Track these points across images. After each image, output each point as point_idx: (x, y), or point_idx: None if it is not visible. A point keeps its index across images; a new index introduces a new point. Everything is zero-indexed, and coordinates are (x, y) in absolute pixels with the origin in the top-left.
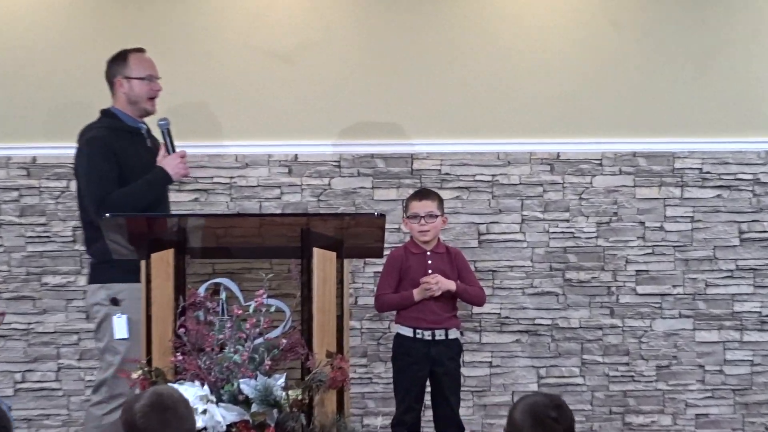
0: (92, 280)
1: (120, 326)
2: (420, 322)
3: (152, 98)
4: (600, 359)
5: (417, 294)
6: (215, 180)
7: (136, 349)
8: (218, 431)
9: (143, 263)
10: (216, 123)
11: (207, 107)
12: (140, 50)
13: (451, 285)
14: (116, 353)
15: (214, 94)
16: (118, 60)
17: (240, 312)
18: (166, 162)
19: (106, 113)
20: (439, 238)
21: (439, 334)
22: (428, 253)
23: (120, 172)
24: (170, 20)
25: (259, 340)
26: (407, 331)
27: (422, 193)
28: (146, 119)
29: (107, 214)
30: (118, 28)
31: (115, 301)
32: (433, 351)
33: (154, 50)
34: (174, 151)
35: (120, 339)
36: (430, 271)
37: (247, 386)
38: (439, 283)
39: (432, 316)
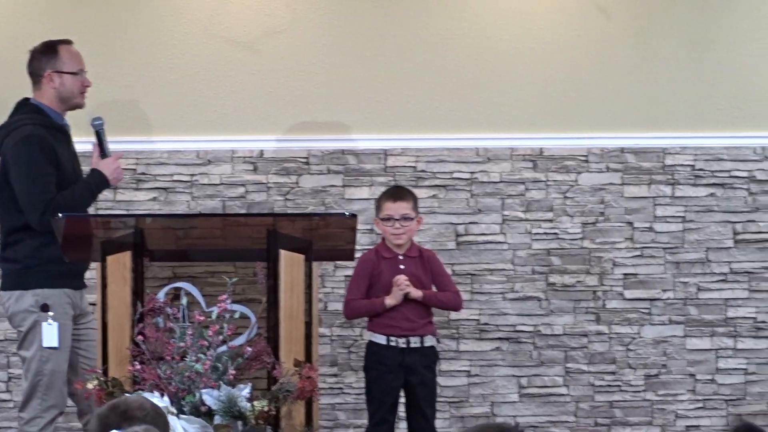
0: (16, 286)
1: (50, 334)
2: (394, 329)
3: (83, 92)
4: (585, 368)
5: (389, 300)
6: (175, 178)
7: (64, 359)
8: None
9: (98, 266)
10: (176, 117)
11: (166, 100)
12: (69, 42)
13: (417, 293)
14: (46, 362)
15: (173, 85)
16: (48, 53)
17: (202, 318)
18: (103, 165)
19: (32, 108)
20: (412, 241)
21: (414, 342)
22: (401, 257)
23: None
24: (126, 7)
25: (223, 348)
26: (380, 339)
27: (396, 194)
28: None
29: (60, 215)
30: (70, 14)
31: (45, 308)
32: (407, 359)
33: (106, 39)
34: (108, 152)
35: (49, 347)
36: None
37: (210, 397)
38: (409, 286)
39: (406, 323)
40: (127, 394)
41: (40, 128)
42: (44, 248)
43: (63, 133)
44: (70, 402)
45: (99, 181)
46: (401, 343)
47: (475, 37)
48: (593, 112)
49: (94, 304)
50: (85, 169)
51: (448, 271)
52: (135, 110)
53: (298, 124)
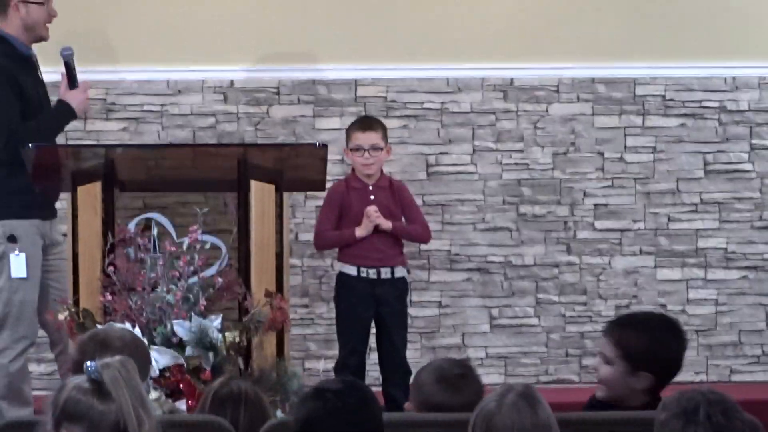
0: None
1: (18, 265)
2: (364, 260)
3: (48, 23)
4: (556, 298)
5: (359, 231)
6: (145, 108)
7: (34, 290)
8: (150, 376)
9: (68, 197)
10: (145, 46)
11: (136, 30)
12: None
13: (387, 224)
14: (15, 293)
15: (142, 15)
16: None
17: (173, 249)
18: (70, 96)
19: None
20: (382, 171)
21: (385, 273)
22: (370, 187)
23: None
24: None
25: (194, 279)
26: (351, 270)
27: (365, 123)
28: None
29: (30, 145)
30: None
31: (12, 239)
32: (378, 290)
33: None
34: (77, 83)
35: (18, 278)
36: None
37: (181, 328)
38: (379, 218)
39: (377, 254)
40: (111, 325)
41: (2, 58)
42: (10, 179)
43: (28, 63)
44: (41, 333)
45: (66, 112)
46: (372, 274)
47: None
48: (564, 42)
49: (65, 235)
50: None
51: (419, 201)
52: (104, 40)
53: (268, 53)
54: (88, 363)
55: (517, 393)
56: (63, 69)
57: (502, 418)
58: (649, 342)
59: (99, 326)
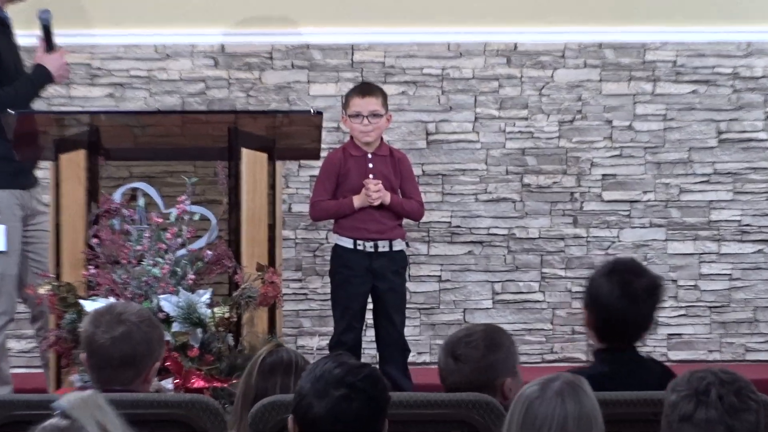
0: None
1: None
2: (361, 232)
3: None
4: (562, 273)
5: (357, 201)
6: (132, 73)
7: (14, 263)
8: None
9: (51, 166)
10: (132, 8)
11: None
12: None
13: (386, 197)
14: None
15: None
16: None
17: (160, 220)
18: (48, 60)
19: None
20: (382, 139)
21: (383, 246)
22: (369, 155)
23: None
24: None
25: (182, 252)
26: (347, 242)
27: (365, 89)
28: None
29: (11, 111)
30: None
31: None
32: (375, 264)
33: None
34: (54, 47)
35: None
36: (371, 176)
37: (168, 303)
38: (379, 191)
39: (374, 226)
40: (92, 299)
41: None
42: None
43: (3, 26)
44: (20, 307)
45: (43, 77)
46: (369, 247)
47: None
48: (570, 5)
49: (47, 205)
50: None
51: (418, 171)
52: (89, 2)
53: (261, 16)
54: (57, 402)
55: (564, 380)
56: (40, 32)
57: (544, 405)
58: (591, 277)
59: (82, 302)
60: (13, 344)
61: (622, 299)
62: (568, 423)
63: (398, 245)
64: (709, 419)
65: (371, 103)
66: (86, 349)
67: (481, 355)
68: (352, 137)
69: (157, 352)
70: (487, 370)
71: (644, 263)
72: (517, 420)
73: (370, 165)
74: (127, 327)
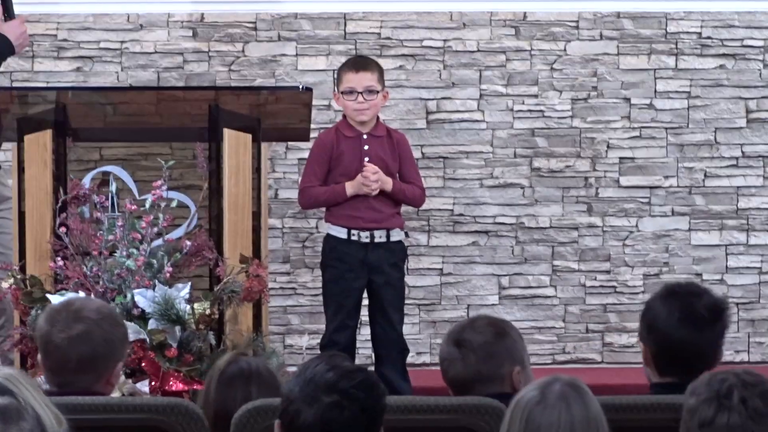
0: None
1: None
2: (356, 221)
3: None
4: (575, 266)
5: (350, 188)
6: (102, 45)
7: None
8: None
9: (14, 148)
10: None
11: None
12: None
13: (387, 184)
14: None
15: None
16: None
17: (134, 208)
18: (7, 29)
19: None
20: (378, 118)
21: (379, 236)
22: (365, 136)
23: None
24: None
25: (158, 242)
26: (340, 232)
27: (359, 63)
28: None
29: None
30: None
31: None
32: (371, 256)
33: None
34: (13, 15)
35: None
36: (367, 159)
37: (144, 298)
38: (378, 180)
39: (370, 214)
40: (61, 294)
41: None
42: None
43: None
44: None
45: (2, 47)
46: (364, 237)
47: None
48: None
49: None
50: None
51: (417, 154)
52: None
53: None
54: None
55: (564, 383)
56: None
57: (548, 412)
58: (646, 303)
59: (50, 296)
60: None
61: (683, 325)
62: (576, 429)
63: (396, 235)
64: (731, 425)
65: (366, 79)
66: (41, 350)
67: (487, 340)
68: (345, 116)
69: (119, 352)
70: (493, 357)
71: (666, 256)
72: (519, 428)
73: (366, 147)
74: (86, 325)
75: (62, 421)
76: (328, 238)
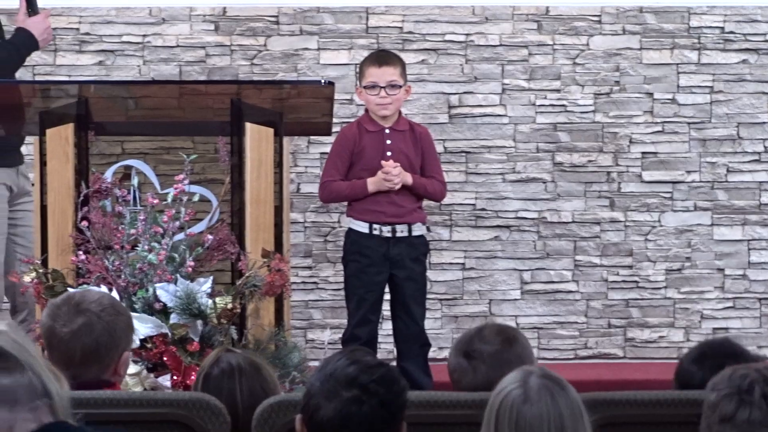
0: None
1: None
2: (378, 216)
3: None
4: (597, 261)
5: (371, 184)
6: (124, 39)
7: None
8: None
9: (36, 141)
10: None
11: None
12: None
13: (407, 178)
14: None
15: None
16: None
17: (156, 201)
18: (31, 24)
19: None
20: (400, 113)
21: (401, 230)
22: (387, 130)
23: None
24: None
25: (180, 236)
26: (362, 227)
27: (382, 57)
28: None
29: None
30: None
31: None
32: (393, 251)
33: None
34: (37, 10)
35: None
36: (389, 153)
37: (165, 292)
38: (399, 174)
39: (392, 208)
40: (83, 288)
41: None
42: None
43: None
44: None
45: (26, 42)
46: (386, 231)
47: None
48: None
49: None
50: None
51: (439, 149)
52: None
53: None
54: None
55: (540, 375)
56: None
57: (533, 406)
58: (678, 363)
59: (71, 289)
60: None
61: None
62: (564, 420)
63: (418, 230)
64: (752, 420)
65: (389, 73)
66: (46, 345)
67: (496, 350)
68: (367, 110)
69: (123, 341)
70: (503, 366)
71: (689, 251)
72: (508, 427)
73: (388, 141)
74: (87, 317)
75: (60, 377)
76: (350, 232)
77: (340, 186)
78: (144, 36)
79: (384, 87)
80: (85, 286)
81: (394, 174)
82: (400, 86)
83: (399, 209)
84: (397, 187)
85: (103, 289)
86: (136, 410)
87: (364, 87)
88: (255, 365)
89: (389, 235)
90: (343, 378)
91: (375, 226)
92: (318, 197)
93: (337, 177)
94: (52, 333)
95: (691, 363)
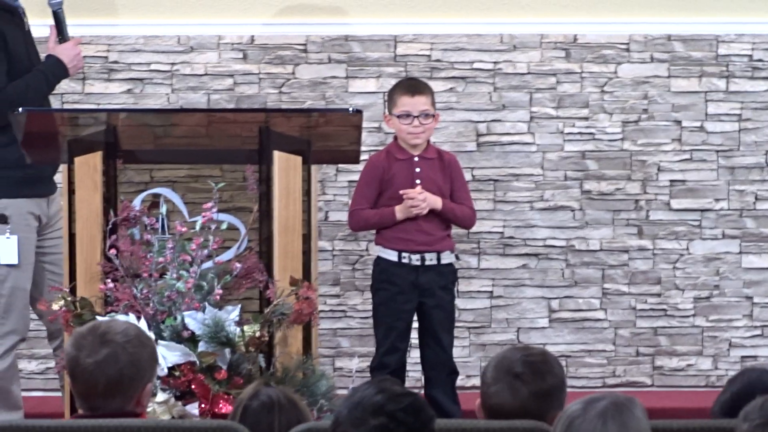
0: None
1: (8, 249)
2: (406, 244)
3: None
4: (625, 289)
5: (399, 212)
6: (153, 67)
7: (27, 277)
8: (158, 375)
9: (64, 170)
10: None
11: None
12: None
13: (437, 203)
14: (4, 281)
15: None
16: None
17: (184, 229)
18: (61, 51)
19: None
20: (429, 141)
21: (430, 259)
22: (416, 158)
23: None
24: None
25: (208, 265)
26: (391, 255)
27: (415, 87)
28: None
29: (20, 109)
30: None
31: (2, 219)
32: (422, 279)
33: None
34: (67, 37)
35: (7, 265)
36: (418, 182)
37: (193, 320)
38: (426, 199)
39: (421, 237)
40: (113, 317)
41: None
42: (2, 150)
43: (15, 16)
44: (35, 325)
45: (56, 70)
46: (415, 260)
47: None
48: None
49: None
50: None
51: (467, 176)
52: None
53: (295, 4)
54: None
55: (610, 401)
56: (51, 21)
57: (584, 425)
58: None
59: (99, 318)
60: (25, 365)
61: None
62: None
63: (447, 258)
64: None
65: (421, 103)
66: (69, 375)
67: (544, 377)
68: (396, 138)
69: (148, 373)
70: (545, 396)
71: (717, 279)
72: None
73: (417, 169)
74: (112, 348)
75: None
76: (379, 260)
77: (368, 214)
78: (172, 64)
79: (417, 116)
80: (113, 314)
81: (419, 199)
82: (432, 115)
83: (428, 237)
84: (425, 211)
85: (131, 317)
86: None
87: (397, 116)
88: (292, 400)
89: (418, 263)
90: (371, 406)
91: (404, 254)
92: (347, 225)
93: (366, 205)
94: (76, 363)
95: (724, 393)
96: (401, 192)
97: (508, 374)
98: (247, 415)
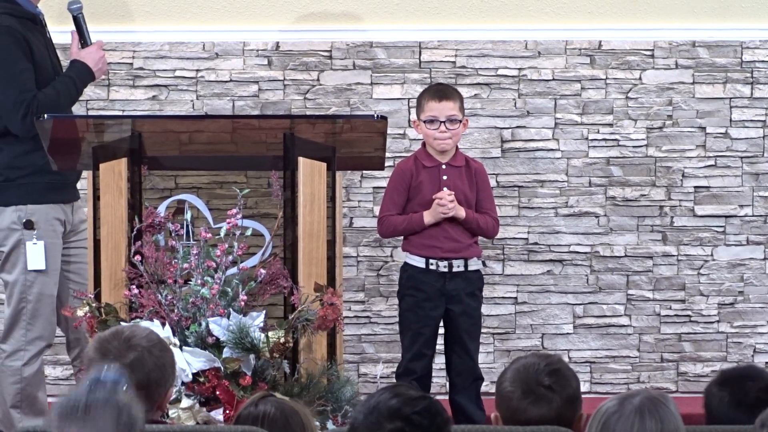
0: None
1: (35, 255)
2: (434, 250)
3: None
4: (649, 295)
5: (428, 216)
6: (178, 74)
7: (53, 283)
8: (183, 381)
9: (89, 176)
10: (177, 1)
11: None
12: None
13: (460, 212)
14: (30, 287)
15: None
16: None
17: (209, 236)
18: (86, 55)
19: None
20: (457, 148)
21: (457, 265)
22: (444, 166)
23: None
24: None
25: (232, 271)
26: (418, 261)
27: (442, 92)
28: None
29: (46, 116)
30: None
31: (29, 225)
32: (449, 285)
33: None
34: (89, 41)
35: (35, 270)
36: (445, 189)
37: (218, 327)
38: (454, 201)
39: (449, 243)
40: (135, 322)
41: (10, 18)
42: (26, 157)
43: (36, 23)
44: (59, 332)
45: (83, 74)
46: (442, 266)
47: None
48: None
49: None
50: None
51: (491, 183)
52: None
53: (319, 11)
54: None
55: (645, 397)
56: (72, 27)
57: (621, 422)
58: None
59: (123, 323)
60: (50, 371)
61: (735, 409)
62: None
63: (474, 264)
64: None
65: (449, 108)
66: None
67: (569, 381)
68: (423, 145)
69: (171, 377)
70: (575, 400)
71: (741, 285)
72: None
73: (444, 177)
74: (138, 353)
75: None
76: (406, 266)
77: (397, 220)
78: (197, 71)
79: (444, 122)
80: (137, 320)
81: (447, 200)
82: (459, 120)
83: (456, 244)
84: (451, 213)
85: (156, 323)
86: None
87: (424, 121)
88: (287, 416)
89: (445, 270)
90: (386, 410)
91: (431, 261)
92: (372, 231)
93: (395, 211)
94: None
95: (713, 386)
96: (434, 196)
97: (538, 387)
98: (238, 423)
